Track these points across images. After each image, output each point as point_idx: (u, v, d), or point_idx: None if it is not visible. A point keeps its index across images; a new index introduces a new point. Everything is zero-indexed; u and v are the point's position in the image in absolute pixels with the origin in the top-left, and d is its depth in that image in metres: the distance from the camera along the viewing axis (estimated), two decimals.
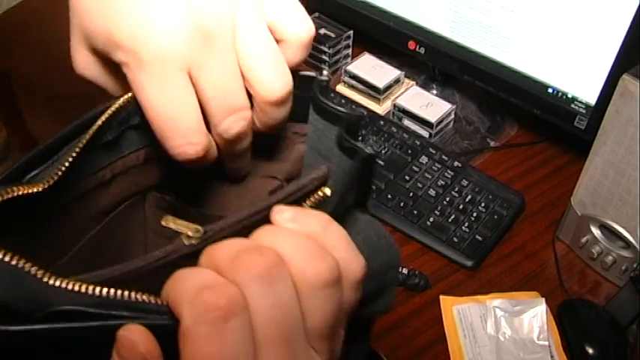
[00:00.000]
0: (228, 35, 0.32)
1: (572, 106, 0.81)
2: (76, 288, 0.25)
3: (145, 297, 0.26)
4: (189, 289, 0.24)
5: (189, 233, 0.28)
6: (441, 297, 0.74)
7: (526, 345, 0.68)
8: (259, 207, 0.30)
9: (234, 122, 0.33)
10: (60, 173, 0.30)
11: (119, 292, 0.25)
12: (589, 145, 0.73)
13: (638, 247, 0.71)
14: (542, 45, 0.80)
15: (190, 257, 0.27)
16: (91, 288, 0.25)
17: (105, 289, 0.25)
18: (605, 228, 0.75)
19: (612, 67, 0.74)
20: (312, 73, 0.36)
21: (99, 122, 0.33)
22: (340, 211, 0.31)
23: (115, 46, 0.31)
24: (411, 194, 0.82)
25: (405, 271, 0.74)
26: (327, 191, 0.31)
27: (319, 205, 0.31)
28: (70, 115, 0.36)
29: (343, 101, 0.95)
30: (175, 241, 0.28)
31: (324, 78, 0.36)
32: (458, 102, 0.97)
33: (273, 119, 0.34)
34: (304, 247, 0.26)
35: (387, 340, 0.69)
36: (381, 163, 0.86)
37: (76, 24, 0.34)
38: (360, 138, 0.34)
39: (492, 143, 0.94)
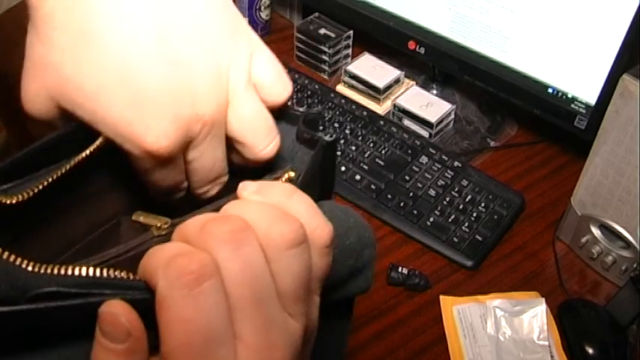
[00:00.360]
0: (218, 122, 0.33)
1: (572, 106, 0.81)
2: (56, 271, 0.26)
3: (123, 274, 0.26)
4: (162, 260, 0.25)
5: (158, 224, 0.29)
6: (441, 297, 0.74)
7: (526, 345, 0.68)
8: (226, 199, 0.31)
9: (212, 188, 0.35)
10: (36, 190, 0.30)
11: (98, 271, 0.26)
12: (589, 145, 0.73)
13: (638, 247, 0.71)
14: (542, 45, 0.80)
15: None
16: (70, 269, 0.26)
17: (84, 269, 0.26)
18: (605, 228, 0.75)
19: (612, 67, 0.74)
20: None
21: (83, 155, 0.32)
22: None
23: (95, 125, 0.31)
24: (411, 194, 0.82)
25: (405, 271, 0.74)
26: (292, 174, 0.32)
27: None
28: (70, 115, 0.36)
29: (343, 101, 0.95)
30: (145, 233, 0.29)
31: None
32: (458, 102, 0.97)
33: (261, 164, 0.36)
34: (268, 212, 0.27)
35: (387, 340, 0.69)
36: (381, 163, 0.86)
37: (40, 68, 0.32)
38: (320, 130, 0.35)
39: (492, 143, 0.94)
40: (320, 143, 0.33)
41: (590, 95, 0.78)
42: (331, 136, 0.34)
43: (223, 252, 0.25)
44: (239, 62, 0.33)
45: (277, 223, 0.27)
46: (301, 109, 0.36)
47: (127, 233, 0.36)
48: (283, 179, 0.33)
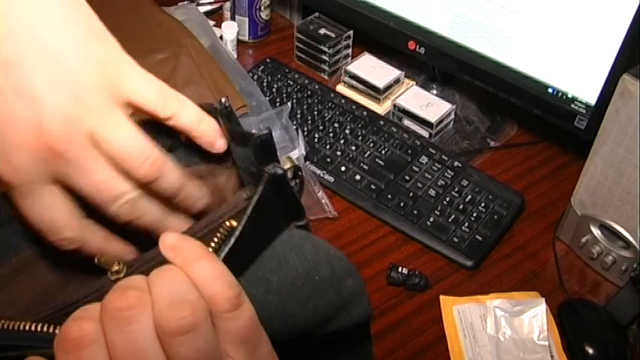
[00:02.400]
0: (80, 149, 0.33)
1: (572, 106, 0.81)
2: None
3: (50, 329, 0.29)
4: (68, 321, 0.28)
5: (115, 268, 0.31)
6: (441, 297, 0.74)
7: (526, 345, 0.68)
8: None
9: (120, 207, 0.35)
10: None
11: (23, 324, 0.29)
12: (589, 145, 0.73)
13: (638, 247, 0.71)
14: (542, 45, 0.80)
15: None
16: (10, 324, 0.29)
17: (12, 323, 0.29)
18: (605, 228, 0.75)
19: (612, 67, 0.74)
20: (209, 103, 0.38)
21: None
22: (255, 234, 0.33)
23: None
24: (411, 194, 0.82)
25: (405, 271, 0.74)
26: (234, 222, 0.33)
27: (228, 236, 0.32)
28: None
29: (343, 101, 0.95)
30: (102, 278, 0.31)
31: (224, 102, 0.37)
32: (458, 102, 0.97)
33: (164, 190, 0.36)
34: (170, 291, 0.28)
35: (387, 340, 0.69)
36: (381, 163, 0.86)
37: None
38: (276, 153, 0.36)
39: (492, 143, 0.94)
40: (265, 178, 0.33)
41: (590, 95, 0.78)
42: (280, 170, 0.34)
43: (109, 325, 0.27)
44: (100, 89, 0.34)
45: (169, 309, 0.28)
46: (249, 132, 0.35)
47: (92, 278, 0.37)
48: (222, 229, 0.33)
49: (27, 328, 0.29)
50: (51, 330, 0.29)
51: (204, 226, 0.34)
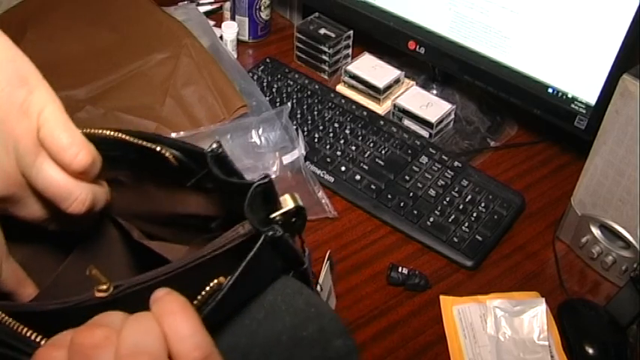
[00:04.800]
0: (20, 190, 0.37)
1: (572, 106, 0.81)
2: None
3: (38, 338, 0.31)
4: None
5: (102, 287, 0.32)
6: (441, 297, 0.74)
7: (526, 345, 0.68)
8: (164, 270, 0.33)
9: (49, 224, 0.40)
10: None
11: (21, 328, 0.30)
12: (589, 145, 0.73)
13: (638, 247, 0.71)
14: (542, 45, 0.80)
15: (101, 307, 0.31)
16: (5, 319, 0.31)
17: (13, 323, 0.31)
18: (605, 228, 0.75)
19: (612, 67, 0.74)
20: (200, 149, 0.38)
21: None
22: (245, 287, 0.33)
23: None
24: (411, 194, 0.82)
25: (405, 271, 0.74)
26: (222, 279, 0.33)
27: (214, 293, 0.33)
28: (70, 115, 0.37)
29: (343, 101, 0.95)
30: (88, 293, 0.32)
31: (215, 147, 0.36)
32: (458, 102, 0.97)
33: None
34: (136, 340, 0.29)
35: (387, 340, 0.69)
36: (381, 163, 0.86)
37: None
38: (277, 199, 0.36)
39: (492, 143, 0.94)
40: (262, 240, 0.33)
41: (590, 95, 0.78)
42: (279, 232, 0.34)
43: (72, 359, 0.29)
44: (25, 136, 0.36)
45: (128, 357, 0.28)
46: (245, 181, 0.35)
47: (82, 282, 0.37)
48: (212, 284, 0.33)
49: (19, 330, 0.30)
50: (38, 339, 0.30)
51: (192, 259, 0.34)
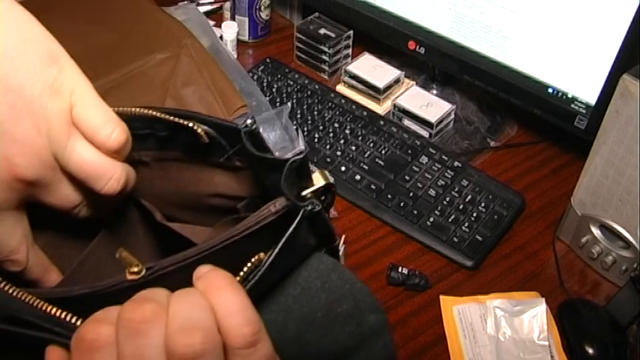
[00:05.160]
0: (47, 176, 0.36)
1: (572, 106, 0.81)
2: (27, 299, 0.30)
3: (73, 319, 0.30)
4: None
5: (134, 269, 0.31)
6: (441, 297, 0.74)
7: (526, 345, 0.68)
8: (196, 250, 0.32)
9: (79, 211, 0.39)
10: None
11: (50, 307, 0.30)
12: (589, 145, 0.73)
13: (638, 247, 0.71)
14: (542, 45, 0.80)
15: (133, 289, 0.30)
16: (37, 302, 0.30)
17: (46, 305, 0.30)
18: (605, 228, 0.75)
19: (612, 67, 0.74)
20: (234, 124, 0.38)
21: None
22: (283, 263, 0.33)
23: None
24: (411, 194, 0.82)
25: (405, 271, 0.74)
26: (262, 255, 0.33)
27: (255, 269, 0.33)
28: None
29: (343, 101, 0.95)
30: (119, 275, 0.31)
31: (249, 123, 0.37)
32: (458, 102, 0.97)
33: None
34: (186, 315, 0.28)
35: None
36: (381, 163, 0.86)
37: None
38: (310, 173, 0.36)
39: (492, 143, 0.94)
40: (301, 215, 0.33)
41: (590, 95, 0.78)
42: (317, 206, 0.34)
43: (121, 335, 0.28)
44: (57, 116, 0.35)
45: (180, 332, 0.28)
46: (280, 158, 0.35)
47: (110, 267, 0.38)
48: (252, 260, 0.33)
49: (52, 312, 0.30)
50: (73, 320, 0.30)
51: (225, 238, 0.33)
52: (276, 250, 0.32)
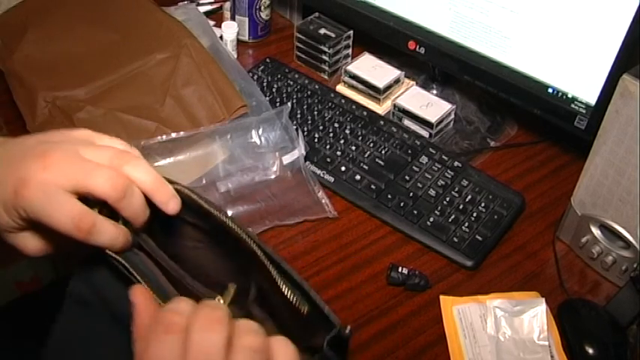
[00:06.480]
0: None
1: (572, 106, 0.81)
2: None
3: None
4: None
5: (220, 300, 0.41)
6: (441, 297, 0.74)
7: (526, 345, 0.68)
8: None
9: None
10: None
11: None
12: (589, 145, 0.73)
13: (638, 247, 0.71)
14: (542, 45, 0.80)
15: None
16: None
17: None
18: (605, 228, 0.75)
19: (612, 67, 0.74)
20: (336, 323, 0.41)
21: None
22: None
23: None
24: (411, 194, 0.82)
25: (405, 271, 0.74)
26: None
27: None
28: (70, 115, 0.37)
29: (343, 101, 0.95)
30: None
31: (348, 331, 0.42)
32: (458, 102, 0.97)
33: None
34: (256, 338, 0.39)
35: (387, 340, 0.69)
36: (381, 163, 0.86)
37: None
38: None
39: (492, 143, 0.94)
40: None
41: (590, 95, 0.78)
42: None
43: (154, 331, 0.37)
44: None
45: (205, 329, 0.37)
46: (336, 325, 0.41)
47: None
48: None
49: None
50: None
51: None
52: None
